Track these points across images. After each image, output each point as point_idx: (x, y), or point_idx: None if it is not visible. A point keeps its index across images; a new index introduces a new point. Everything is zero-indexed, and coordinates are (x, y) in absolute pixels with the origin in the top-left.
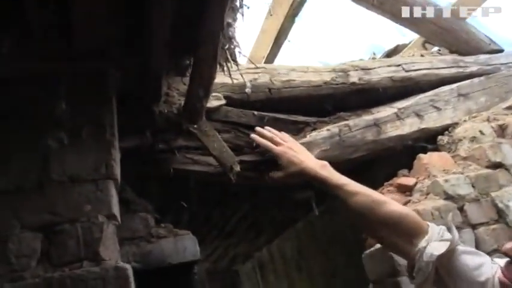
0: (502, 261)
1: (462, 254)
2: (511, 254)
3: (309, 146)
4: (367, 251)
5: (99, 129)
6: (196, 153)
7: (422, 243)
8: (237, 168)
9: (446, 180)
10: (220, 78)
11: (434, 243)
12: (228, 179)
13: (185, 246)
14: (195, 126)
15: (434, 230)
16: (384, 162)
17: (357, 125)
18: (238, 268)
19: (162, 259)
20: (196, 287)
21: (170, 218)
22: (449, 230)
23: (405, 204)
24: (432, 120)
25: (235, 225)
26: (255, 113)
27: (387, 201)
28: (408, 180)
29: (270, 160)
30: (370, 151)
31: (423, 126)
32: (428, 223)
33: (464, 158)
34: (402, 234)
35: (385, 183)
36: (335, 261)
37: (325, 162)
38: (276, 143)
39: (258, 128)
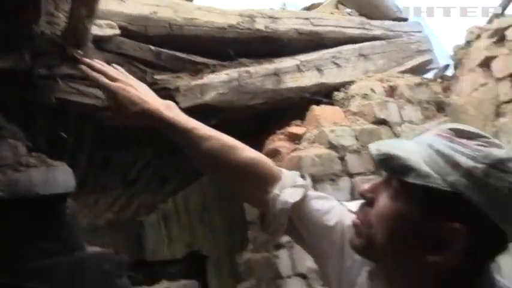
0: (351, 204)
1: (313, 200)
2: (365, 195)
3: (205, 88)
4: None
5: None
6: (82, 84)
7: (275, 191)
8: None
9: (332, 131)
10: (116, 5)
11: (288, 189)
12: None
13: (56, 177)
14: (80, 52)
15: (288, 176)
16: (282, 112)
17: (257, 73)
18: (143, 219)
19: (29, 189)
20: (66, 220)
21: (66, 160)
22: (302, 176)
23: (292, 151)
24: (332, 76)
25: (139, 172)
26: (152, 48)
27: (240, 146)
28: (298, 129)
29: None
30: (269, 100)
31: (322, 80)
32: (282, 169)
33: (354, 113)
34: (255, 181)
35: (277, 131)
36: (236, 214)
37: (172, 103)
38: (112, 79)
39: (85, 59)
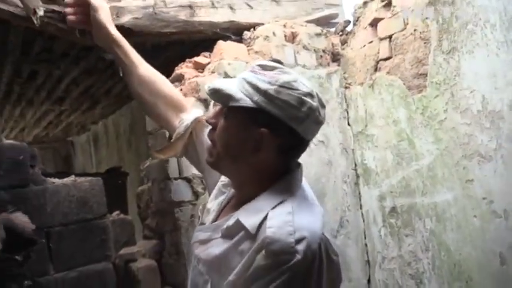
0: None
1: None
2: (209, 121)
3: (121, 10)
4: None
5: None
6: None
7: (184, 116)
8: (41, 12)
9: (229, 64)
10: None
11: (194, 111)
12: (32, 23)
13: None
14: None
15: (195, 105)
16: (196, 44)
17: (172, 3)
18: (73, 139)
19: None
20: None
21: None
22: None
23: (195, 77)
24: (243, 16)
25: (66, 90)
26: None
27: (163, 77)
28: (202, 59)
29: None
30: (181, 29)
31: (234, 19)
32: (190, 100)
33: (256, 52)
34: (173, 108)
35: (186, 60)
36: None
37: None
38: None
39: None
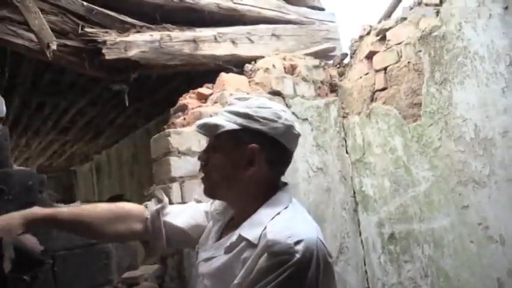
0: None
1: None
2: (201, 157)
3: (129, 44)
4: (154, 136)
5: None
6: (20, 27)
7: (146, 214)
8: (54, 46)
9: (231, 94)
10: None
11: (150, 206)
12: (46, 56)
13: None
14: (19, 0)
15: (151, 203)
16: (199, 76)
17: (177, 37)
18: (76, 168)
19: None
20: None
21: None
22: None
23: (198, 107)
24: (245, 50)
25: (72, 120)
26: (84, 3)
27: (94, 207)
28: (205, 90)
29: (92, 49)
30: (186, 62)
31: (235, 52)
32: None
33: (257, 83)
34: (129, 219)
35: (190, 91)
36: None
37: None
38: None
39: None
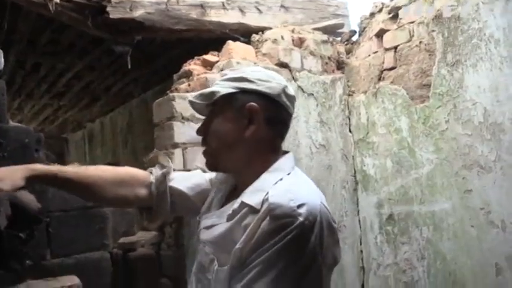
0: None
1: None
2: (199, 131)
3: (134, 4)
4: (158, 100)
5: None
6: None
7: (153, 178)
8: None
9: (238, 62)
10: None
11: (155, 171)
12: (48, 9)
13: None
14: None
15: (156, 168)
16: (205, 43)
17: (185, 1)
18: (69, 136)
19: None
20: None
21: None
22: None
23: (203, 73)
24: (252, 19)
25: (67, 84)
26: None
27: (97, 168)
28: (211, 57)
29: (95, 6)
30: (192, 27)
31: (243, 21)
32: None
33: (264, 54)
34: (133, 183)
35: (195, 57)
36: None
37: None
38: None
39: None
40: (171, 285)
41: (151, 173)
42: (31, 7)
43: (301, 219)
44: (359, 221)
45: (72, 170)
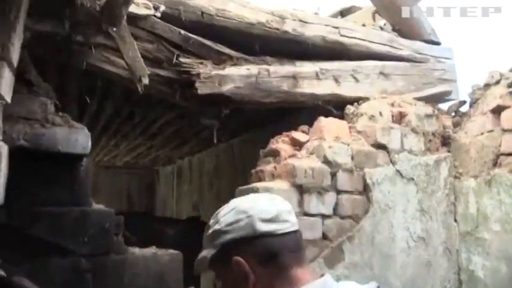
0: None
1: None
2: None
3: (224, 79)
4: (240, 187)
5: (2, 7)
6: (113, 54)
7: None
8: (146, 81)
9: (330, 147)
10: None
11: None
12: (137, 87)
13: (77, 138)
14: (114, 29)
15: None
16: (295, 115)
17: (276, 73)
18: (159, 169)
19: (53, 144)
20: (80, 177)
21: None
22: None
23: (290, 156)
24: (348, 89)
25: (160, 128)
26: (182, 32)
27: None
28: (301, 136)
29: (185, 81)
30: (282, 99)
31: (338, 92)
32: None
33: (359, 132)
34: None
35: (284, 133)
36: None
37: None
38: None
39: None
40: None
41: None
42: (122, 82)
43: None
44: None
45: None
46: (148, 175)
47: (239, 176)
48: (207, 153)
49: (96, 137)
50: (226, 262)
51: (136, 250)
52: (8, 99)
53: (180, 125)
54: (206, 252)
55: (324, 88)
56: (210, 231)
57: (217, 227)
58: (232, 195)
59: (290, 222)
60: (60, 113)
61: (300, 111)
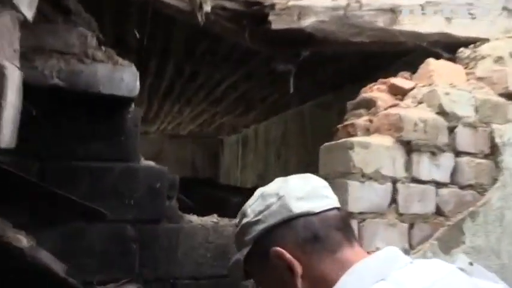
0: None
1: None
2: None
3: (304, 11)
4: (326, 144)
5: None
6: None
7: None
8: (207, 7)
9: (447, 93)
10: None
11: None
12: (197, 19)
13: (123, 77)
14: None
15: None
16: (392, 59)
17: (369, 5)
18: (224, 138)
19: (92, 84)
20: (126, 126)
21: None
22: None
23: (391, 106)
24: (461, 28)
25: (224, 92)
26: None
27: None
28: (404, 83)
29: (255, 14)
30: (376, 39)
31: (448, 30)
32: None
33: (479, 79)
34: None
35: (379, 80)
36: (313, 154)
37: None
38: None
39: None
40: None
41: None
42: (180, 17)
43: None
44: None
45: None
46: (213, 145)
47: (309, 146)
48: (274, 121)
49: (159, 101)
50: (264, 257)
51: (193, 218)
52: (28, 15)
53: (246, 88)
54: (239, 255)
55: (430, 26)
56: (238, 229)
57: (245, 220)
58: (301, 167)
59: (330, 198)
60: (104, 47)
61: (392, 64)
